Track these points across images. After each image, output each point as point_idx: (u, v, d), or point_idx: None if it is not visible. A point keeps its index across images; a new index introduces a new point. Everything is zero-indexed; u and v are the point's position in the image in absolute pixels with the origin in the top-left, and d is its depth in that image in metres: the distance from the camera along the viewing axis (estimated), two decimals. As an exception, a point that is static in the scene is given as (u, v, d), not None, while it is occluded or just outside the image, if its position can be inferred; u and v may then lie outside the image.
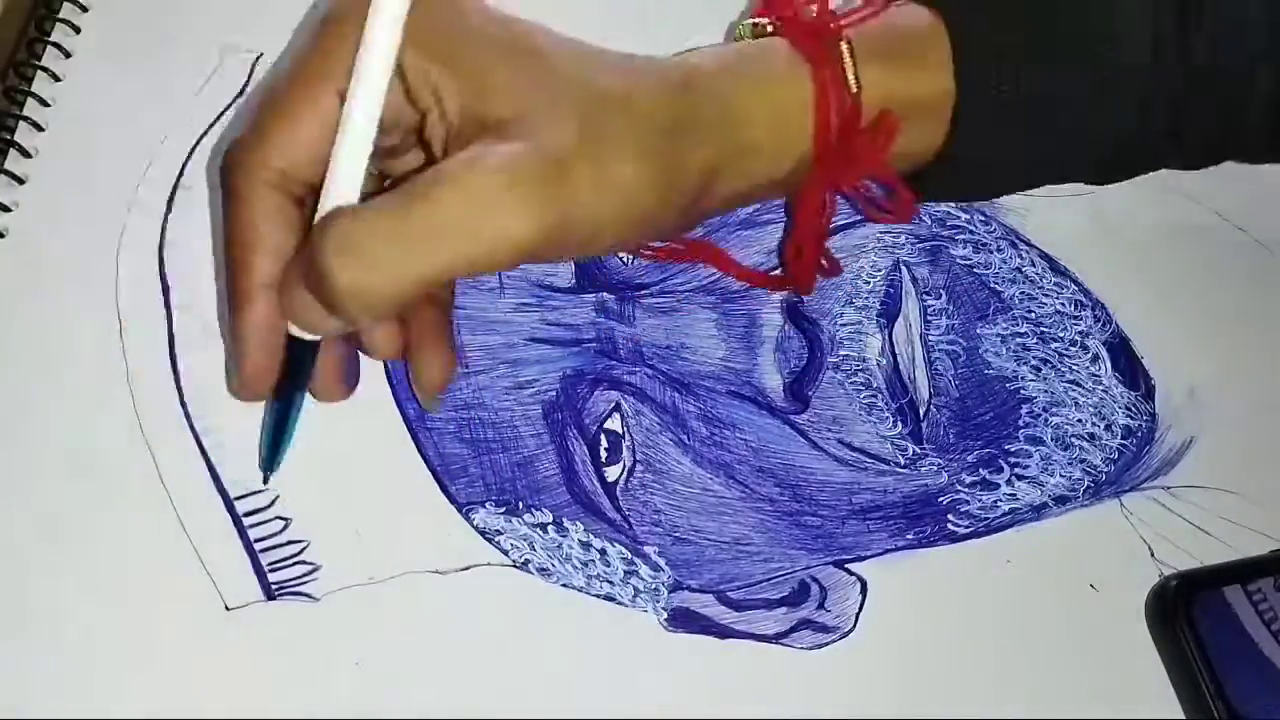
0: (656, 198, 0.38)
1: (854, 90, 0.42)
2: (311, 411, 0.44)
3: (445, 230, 0.35)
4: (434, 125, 0.38)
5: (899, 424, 0.47)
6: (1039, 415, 0.48)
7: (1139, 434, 0.49)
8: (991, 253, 0.51)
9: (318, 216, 0.37)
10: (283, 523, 0.42)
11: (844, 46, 0.42)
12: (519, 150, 0.36)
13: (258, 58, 0.50)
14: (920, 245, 0.51)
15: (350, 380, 0.42)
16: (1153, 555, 0.46)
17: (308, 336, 0.39)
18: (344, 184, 0.37)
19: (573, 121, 0.37)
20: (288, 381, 0.40)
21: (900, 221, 0.49)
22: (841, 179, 0.44)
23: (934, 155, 0.44)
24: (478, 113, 0.37)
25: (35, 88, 0.48)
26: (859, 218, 0.51)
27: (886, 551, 0.45)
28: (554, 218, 0.35)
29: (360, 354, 0.42)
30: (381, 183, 0.42)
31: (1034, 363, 0.49)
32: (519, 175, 0.35)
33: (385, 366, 0.45)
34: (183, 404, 0.44)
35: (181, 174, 0.47)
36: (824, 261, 0.48)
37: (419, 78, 0.37)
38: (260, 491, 0.42)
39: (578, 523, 0.44)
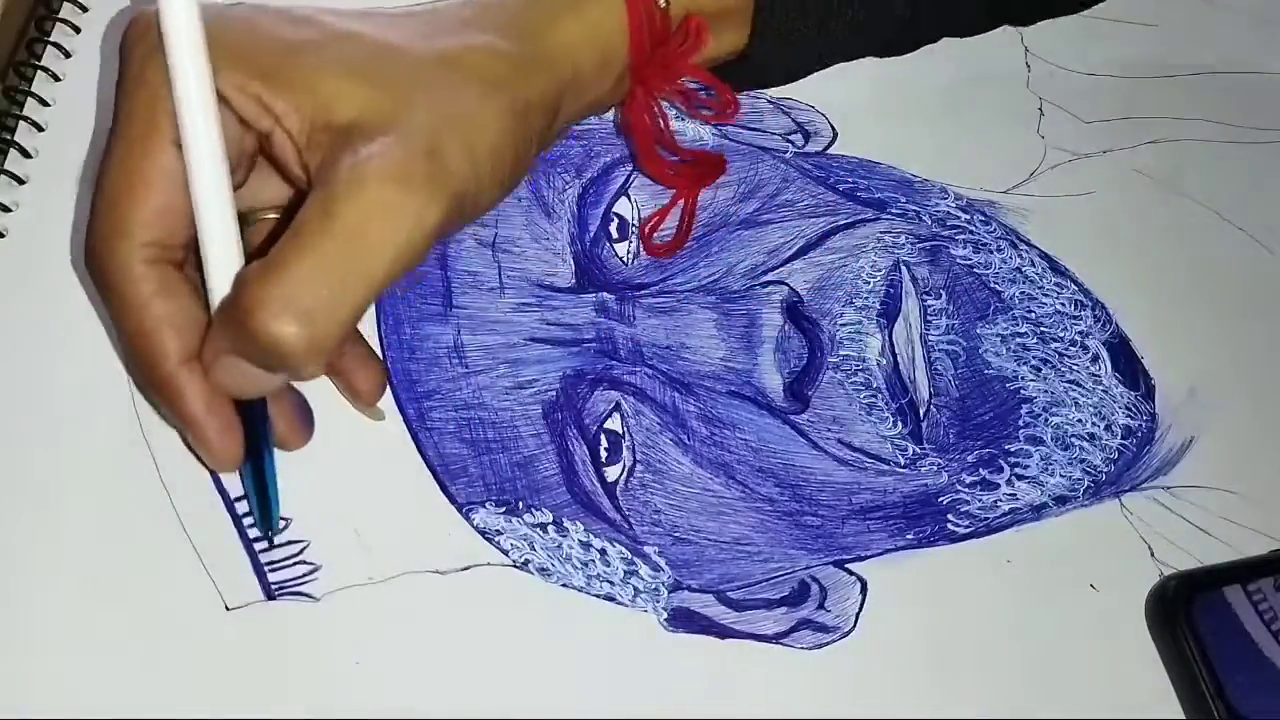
0: (519, 147, 0.40)
1: (663, 6, 0.44)
2: (311, 409, 0.44)
3: (361, 252, 0.35)
4: (280, 142, 0.38)
5: (899, 424, 0.47)
6: (1039, 415, 0.48)
7: (1139, 434, 0.49)
8: (991, 253, 0.51)
9: (210, 280, 0.37)
10: (283, 522, 0.42)
11: None
12: (391, 148, 0.36)
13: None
14: (920, 245, 0.51)
15: (308, 423, 0.42)
16: (1153, 555, 0.46)
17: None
18: (220, 239, 0.37)
19: (420, 102, 0.37)
20: (251, 443, 0.40)
21: (724, 120, 0.51)
22: (658, 87, 0.46)
23: (738, 54, 0.47)
24: (324, 120, 0.37)
25: (35, 88, 0.48)
26: (859, 217, 0.51)
27: (886, 551, 0.45)
28: (447, 198, 0.36)
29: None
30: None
31: (1034, 363, 0.49)
32: (404, 174, 0.36)
33: (385, 368, 0.45)
34: (183, 404, 0.44)
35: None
36: (676, 163, 0.50)
37: (247, 102, 0.37)
38: (260, 491, 0.42)
39: (578, 523, 0.44)
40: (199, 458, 0.41)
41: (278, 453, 0.41)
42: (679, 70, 0.45)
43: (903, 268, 0.50)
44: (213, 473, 0.43)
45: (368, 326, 0.46)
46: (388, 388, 0.44)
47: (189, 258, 0.39)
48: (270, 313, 0.34)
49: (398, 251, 0.35)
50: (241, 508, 0.42)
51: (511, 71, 0.40)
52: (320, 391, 0.45)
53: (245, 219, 0.39)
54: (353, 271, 0.35)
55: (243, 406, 0.39)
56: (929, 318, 0.49)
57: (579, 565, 0.43)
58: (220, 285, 0.37)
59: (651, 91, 0.46)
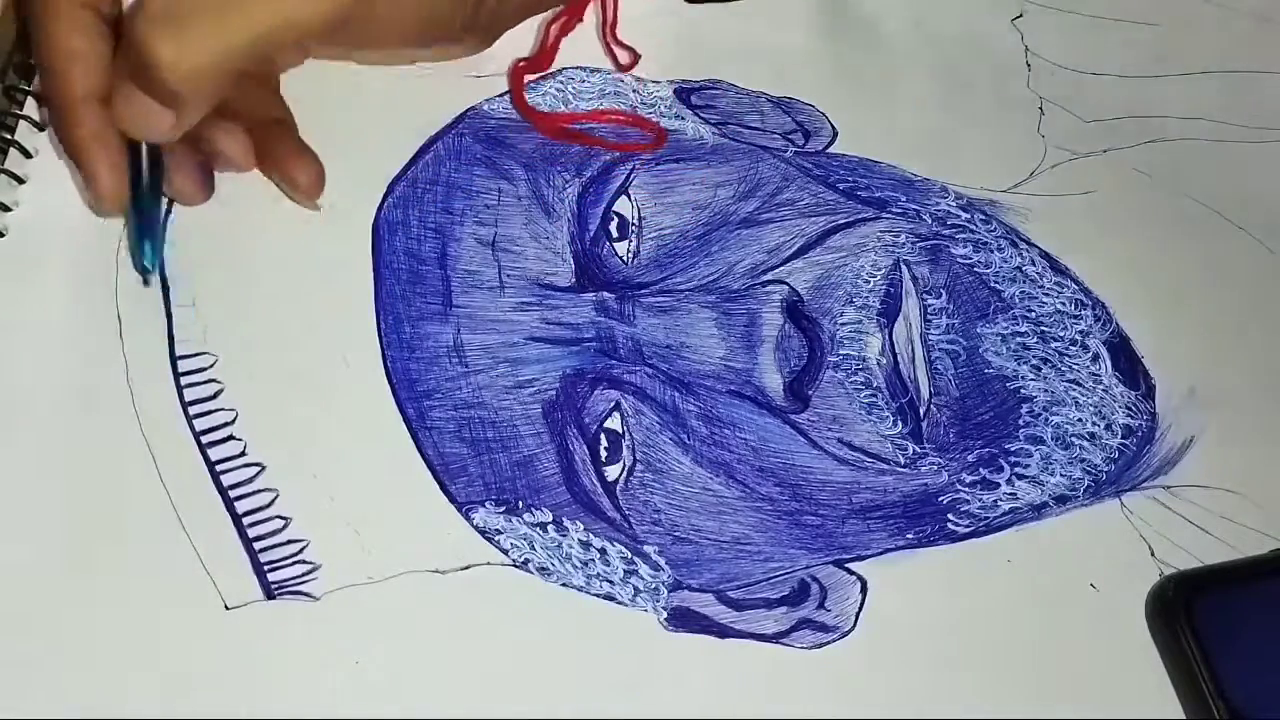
0: None
1: None
2: (311, 408, 0.44)
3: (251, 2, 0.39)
4: None
5: (899, 423, 0.47)
6: (1039, 414, 0.48)
7: (1139, 433, 0.49)
8: (992, 252, 0.51)
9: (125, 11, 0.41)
10: (282, 522, 0.42)
11: None
12: None
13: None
14: (920, 244, 0.51)
15: (207, 183, 0.46)
16: (1153, 555, 0.46)
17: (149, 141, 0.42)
18: None
19: None
20: (141, 184, 0.43)
21: None
22: None
23: None
24: None
25: (35, 88, 0.48)
26: (859, 216, 0.51)
27: (886, 551, 0.45)
28: None
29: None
30: None
31: (1034, 362, 0.49)
32: None
33: (385, 365, 0.45)
34: (183, 404, 0.44)
35: (169, 213, 0.47)
36: (615, 49, 0.53)
37: None
38: (260, 491, 0.42)
39: (577, 522, 0.44)
40: (89, 202, 0.45)
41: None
42: None
43: (903, 267, 0.50)
44: (213, 472, 0.43)
45: (366, 324, 0.46)
46: (322, 183, 0.47)
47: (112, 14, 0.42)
48: (151, 19, 0.39)
49: (286, 15, 0.39)
50: (241, 507, 0.42)
51: None
52: (319, 386, 0.45)
53: None
54: (238, 15, 0.38)
55: (138, 154, 0.43)
56: (929, 317, 0.49)
57: (579, 564, 0.43)
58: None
59: None
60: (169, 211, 0.46)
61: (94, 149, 0.42)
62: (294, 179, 0.47)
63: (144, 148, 0.43)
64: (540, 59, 0.53)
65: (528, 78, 0.52)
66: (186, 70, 0.39)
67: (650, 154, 0.51)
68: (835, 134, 0.54)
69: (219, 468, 0.43)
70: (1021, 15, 0.59)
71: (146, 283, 0.45)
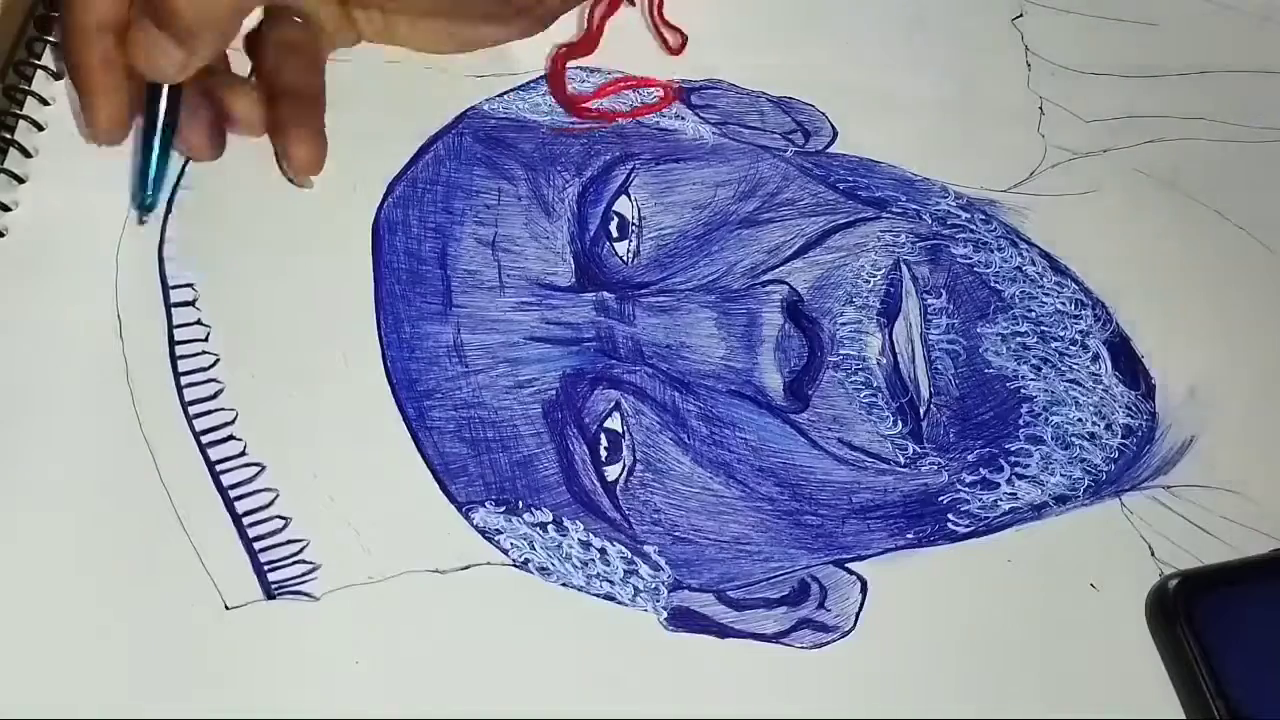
0: None
1: None
2: (311, 408, 0.44)
3: None
4: None
5: (899, 423, 0.47)
6: (1039, 414, 0.48)
7: (1139, 433, 0.49)
8: (992, 251, 0.51)
9: None
10: (282, 522, 0.42)
11: None
12: None
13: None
14: (921, 244, 0.51)
15: (218, 141, 0.47)
16: (1153, 555, 0.46)
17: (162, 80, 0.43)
18: None
19: None
20: (150, 124, 0.45)
21: None
22: None
23: None
24: None
25: (35, 87, 0.48)
26: (859, 216, 0.51)
27: (886, 551, 0.45)
28: None
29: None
30: None
31: (1034, 362, 0.49)
32: None
33: (384, 365, 0.45)
34: (183, 403, 0.44)
35: (182, 174, 0.47)
36: (664, 31, 0.54)
37: None
38: (260, 491, 0.42)
39: (577, 522, 0.44)
40: (85, 131, 0.45)
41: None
42: None
43: (903, 266, 0.50)
44: (213, 472, 0.43)
45: (366, 324, 0.46)
46: (317, 164, 0.47)
47: None
48: None
49: None
50: (241, 506, 0.42)
51: None
52: (319, 386, 0.45)
53: None
54: None
55: (153, 89, 0.44)
56: (929, 317, 0.49)
57: (579, 564, 0.43)
58: None
59: None
60: (184, 166, 0.47)
61: (97, 76, 0.43)
62: (290, 152, 0.47)
63: (163, 92, 0.44)
64: (584, 43, 0.53)
65: (570, 63, 0.53)
66: (202, 8, 0.40)
67: (651, 155, 0.51)
68: (835, 134, 0.54)
69: (219, 468, 0.43)
70: (1021, 15, 0.59)
71: (142, 221, 0.46)
